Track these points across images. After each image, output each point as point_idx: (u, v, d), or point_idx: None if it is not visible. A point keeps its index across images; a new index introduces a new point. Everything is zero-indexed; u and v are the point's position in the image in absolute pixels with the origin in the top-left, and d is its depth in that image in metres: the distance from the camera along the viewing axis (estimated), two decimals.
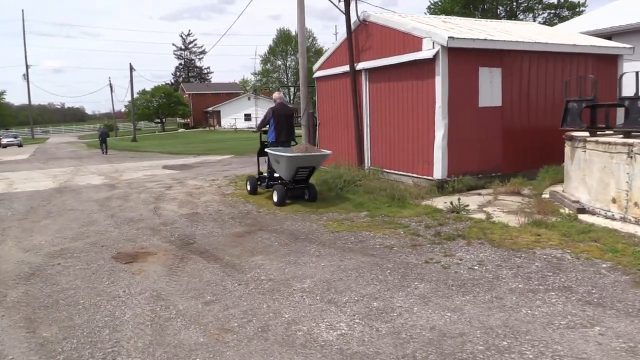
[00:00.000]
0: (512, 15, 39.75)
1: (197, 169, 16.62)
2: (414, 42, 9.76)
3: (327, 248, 6.26)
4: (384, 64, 10.66)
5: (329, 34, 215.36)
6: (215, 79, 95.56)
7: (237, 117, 63.73)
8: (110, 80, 62.13)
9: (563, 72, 10.58)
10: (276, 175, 9.81)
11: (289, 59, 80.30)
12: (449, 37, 8.97)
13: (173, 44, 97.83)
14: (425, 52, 9.40)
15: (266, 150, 9.68)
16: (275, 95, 10.77)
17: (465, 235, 6.47)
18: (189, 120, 72.54)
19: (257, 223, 7.83)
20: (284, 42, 78.24)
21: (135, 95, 66.22)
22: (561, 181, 9.75)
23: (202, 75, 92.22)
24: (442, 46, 9.09)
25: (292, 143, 10.07)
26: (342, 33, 12.40)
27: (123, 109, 71.64)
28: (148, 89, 65.96)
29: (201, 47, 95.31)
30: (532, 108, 10.32)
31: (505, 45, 9.73)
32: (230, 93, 75.33)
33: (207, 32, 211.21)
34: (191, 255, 6.15)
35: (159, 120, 68.63)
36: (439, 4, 39.19)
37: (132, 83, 45.93)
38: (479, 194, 9.18)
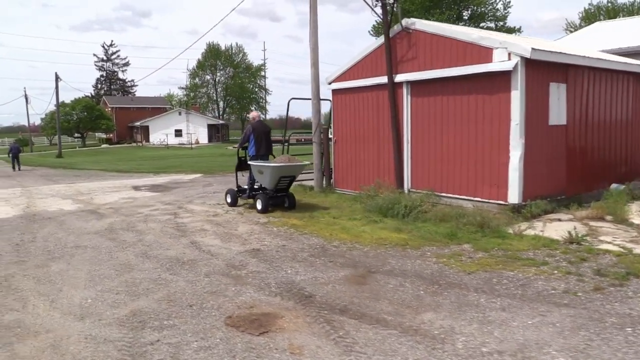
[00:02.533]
0: None
1: (178, 190, 14.46)
2: (481, 53, 8.77)
3: (495, 297, 4.92)
4: (434, 76, 9.57)
5: (257, 50, 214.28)
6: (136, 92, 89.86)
7: (168, 132, 59.92)
8: (25, 91, 54.50)
9: (612, 90, 10.14)
10: (256, 186, 10.47)
11: (218, 74, 77.74)
12: (532, 49, 8.07)
13: (94, 55, 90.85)
14: (500, 64, 8.43)
15: (249, 162, 10.33)
16: (253, 114, 11.35)
17: (637, 274, 5.43)
18: (112, 135, 67.22)
19: (354, 263, 6.29)
20: (213, 57, 75.60)
21: (53, 108, 60.41)
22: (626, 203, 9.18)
23: (125, 88, 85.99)
24: (522, 57, 8.17)
25: (270, 156, 10.68)
26: (366, 45, 11.20)
27: (38, 122, 64.89)
28: (67, 101, 60.27)
29: (125, 58, 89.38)
30: (590, 127, 9.72)
31: (573, 60, 9.04)
32: (156, 108, 70.95)
33: (122, 44, 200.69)
34: (335, 317, 4.53)
35: (79, 135, 62.82)
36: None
37: (58, 93, 41.37)
38: (559, 220, 8.28)
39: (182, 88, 79.09)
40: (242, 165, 10.84)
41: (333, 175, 12.38)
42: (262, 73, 77.67)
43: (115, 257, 6.92)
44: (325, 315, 4.55)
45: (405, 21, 10.13)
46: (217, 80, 77.20)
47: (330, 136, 12.58)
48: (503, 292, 5.05)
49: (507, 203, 8.55)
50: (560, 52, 8.76)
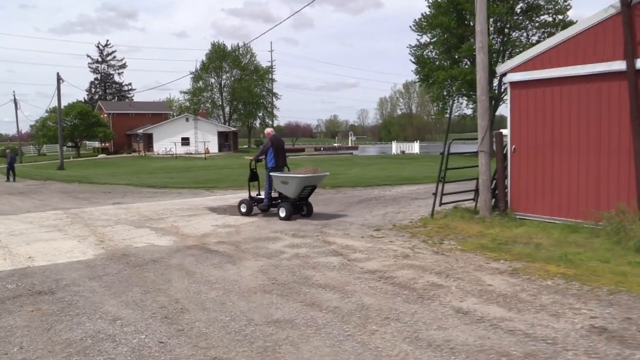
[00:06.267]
0: (501, 33, 38.93)
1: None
2: None
3: None
4: None
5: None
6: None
7: (174, 141, 57.14)
8: (14, 96, 50.87)
9: None
10: (274, 195, 11.47)
11: (224, 77, 75.26)
12: None
13: (88, 56, 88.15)
14: None
15: (271, 174, 11.22)
16: (268, 130, 12.23)
17: None
18: (108, 144, 64.31)
19: None
20: (218, 58, 73.17)
21: (44, 114, 57.74)
22: None
23: (122, 93, 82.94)
24: None
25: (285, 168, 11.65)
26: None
27: (27, 130, 61.98)
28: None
29: (121, 60, 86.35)
30: None
31: None
32: (157, 114, 68.21)
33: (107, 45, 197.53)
34: None
35: (72, 144, 59.86)
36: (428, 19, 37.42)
37: (60, 97, 38.45)
38: None
39: (185, 92, 76.59)
40: (253, 177, 12.03)
41: (509, 195, 9.92)
42: (270, 76, 75.38)
43: (374, 346, 4.38)
44: None
45: None
46: (222, 83, 74.81)
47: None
48: None
49: None
50: None
